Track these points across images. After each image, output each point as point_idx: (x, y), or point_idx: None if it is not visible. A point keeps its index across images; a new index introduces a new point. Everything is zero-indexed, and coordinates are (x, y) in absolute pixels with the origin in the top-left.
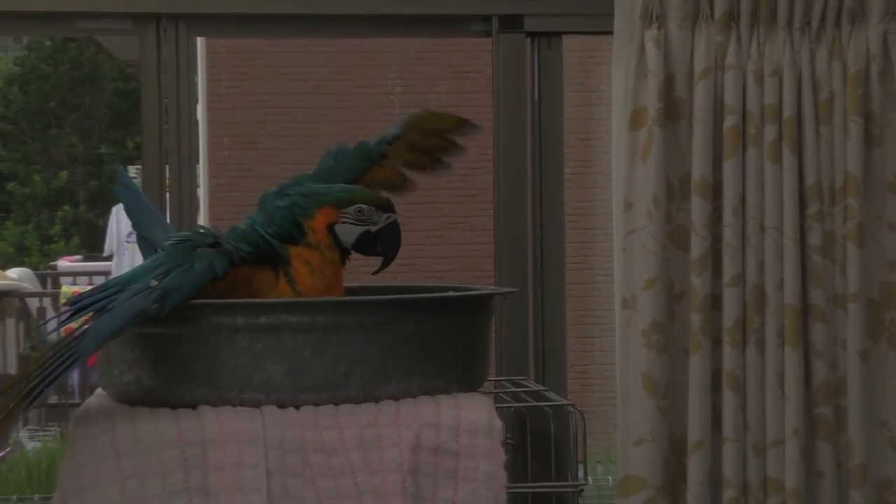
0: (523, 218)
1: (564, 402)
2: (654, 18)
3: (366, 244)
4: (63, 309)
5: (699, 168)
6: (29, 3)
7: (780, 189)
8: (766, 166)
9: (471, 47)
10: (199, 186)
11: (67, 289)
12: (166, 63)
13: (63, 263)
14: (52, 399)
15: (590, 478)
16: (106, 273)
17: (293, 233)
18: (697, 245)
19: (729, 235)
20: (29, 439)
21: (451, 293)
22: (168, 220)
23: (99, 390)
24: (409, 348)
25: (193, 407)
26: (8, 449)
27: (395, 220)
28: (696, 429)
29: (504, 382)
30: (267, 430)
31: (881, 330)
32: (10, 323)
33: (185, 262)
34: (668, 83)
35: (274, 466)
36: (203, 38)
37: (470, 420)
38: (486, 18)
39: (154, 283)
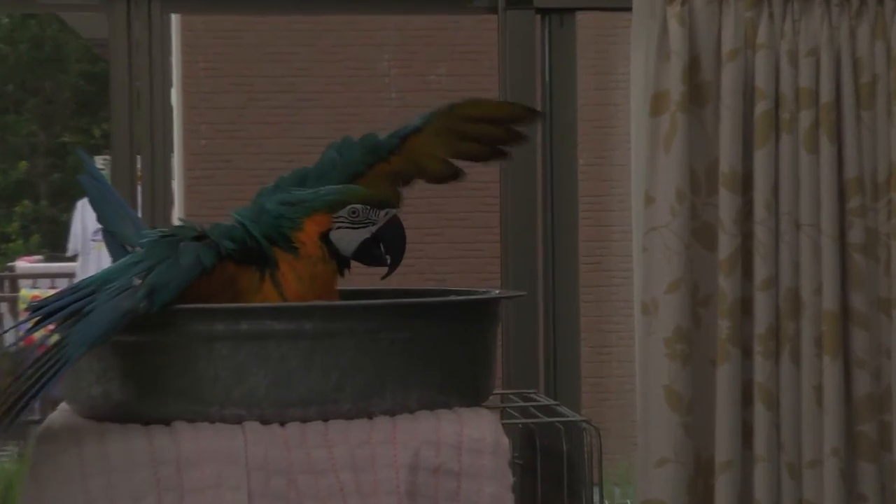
0: (532, 214)
1: (578, 417)
2: None
3: (368, 251)
4: (24, 315)
5: (727, 158)
6: None
7: (817, 181)
8: (801, 156)
9: (474, 25)
10: (173, 179)
11: (27, 292)
12: (137, 42)
13: (22, 264)
14: None
15: (606, 502)
16: (70, 275)
17: (281, 244)
18: (726, 244)
19: (760, 233)
20: None
21: (452, 297)
22: (139, 215)
23: (63, 405)
24: (406, 358)
25: (168, 423)
26: None
27: (396, 215)
28: (724, 448)
29: (511, 396)
30: (249, 448)
31: None
32: None
33: (168, 257)
34: (693, 64)
35: (256, 489)
36: (178, 15)
37: (473, 437)
38: None
39: (137, 280)
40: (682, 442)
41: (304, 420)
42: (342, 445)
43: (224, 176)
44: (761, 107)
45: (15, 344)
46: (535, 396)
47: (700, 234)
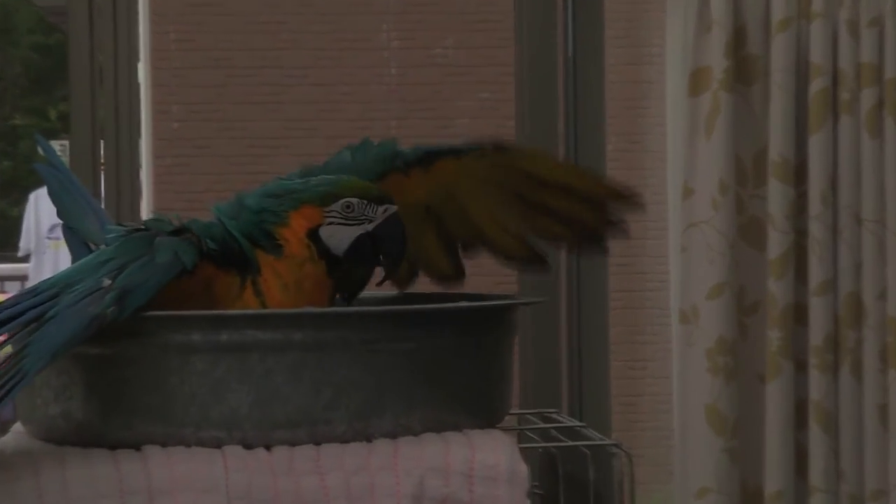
0: None
1: (607, 441)
2: None
3: (362, 251)
4: None
5: (778, 144)
6: None
7: (880, 170)
8: (863, 141)
9: None
10: (140, 167)
11: None
12: (100, 9)
13: None
14: None
15: None
16: (22, 278)
17: (263, 242)
18: (776, 242)
19: (816, 230)
20: None
21: (462, 303)
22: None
23: (17, 426)
24: (409, 372)
25: (137, 447)
26: None
27: (395, 212)
28: (774, 476)
29: (530, 417)
30: (230, 476)
31: None
32: None
33: (142, 255)
34: (739, 36)
35: None
36: None
37: (487, 464)
38: None
39: (107, 281)
40: (727, 470)
41: (293, 443)
42: (336, 472)
43: (199, 164)
44: (816, 85)
45: None
46: (557, 417)
47: (747, 231)
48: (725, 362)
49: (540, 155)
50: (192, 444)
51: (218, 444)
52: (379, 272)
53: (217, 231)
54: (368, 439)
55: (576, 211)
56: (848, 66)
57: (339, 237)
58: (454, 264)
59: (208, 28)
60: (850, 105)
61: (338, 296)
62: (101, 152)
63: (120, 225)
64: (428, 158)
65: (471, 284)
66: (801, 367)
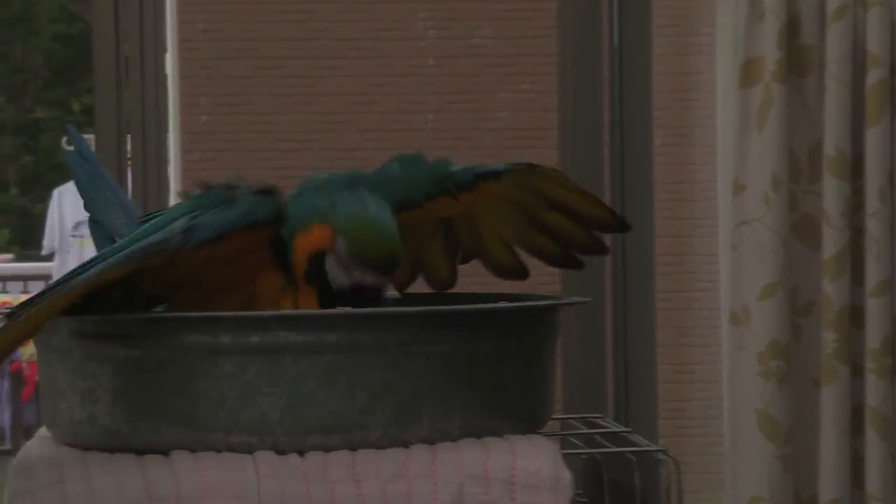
0: None
1: (653, 447)
2: None
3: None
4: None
5: (833, 138)
6: None
7: None
8: None
9: None
10: (168, 162)
11: None
12: None
13: None
14: None
15: None
16: (46, 277)
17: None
18: (831, 240)
19: (873, 227)
20: None
21: (502, 304)
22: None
23: (42, 431)
24: (447, 376)
25: (165, 453)
26: None
27: (377, 289)
28: (829, 485)
29: (574, 422)
30: (261, 482)
31: None
32: None
33: (221, 204)
34: (792, 25)
35: None
36: None
37: (529, 471)
38: None
39: (181, 222)
40: (779, 478)
41: (327, 449)
42: (372, 480)
43: (228, 158)
44: (874, 76)
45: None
46: (601, 422)
47: (800, 228)
48: (778, 366)
49: (558, 177)
50: (221, 449)
51: (249, 450)
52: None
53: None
54: (405, 445)
55: (572, 231)
56: None
57: (338, 275)
58: (452, 270)
59: (237, 17)
60: None
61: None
62: (128, 147)
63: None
64: (476, 181)
65: (512, 284)
66: (857, 371)
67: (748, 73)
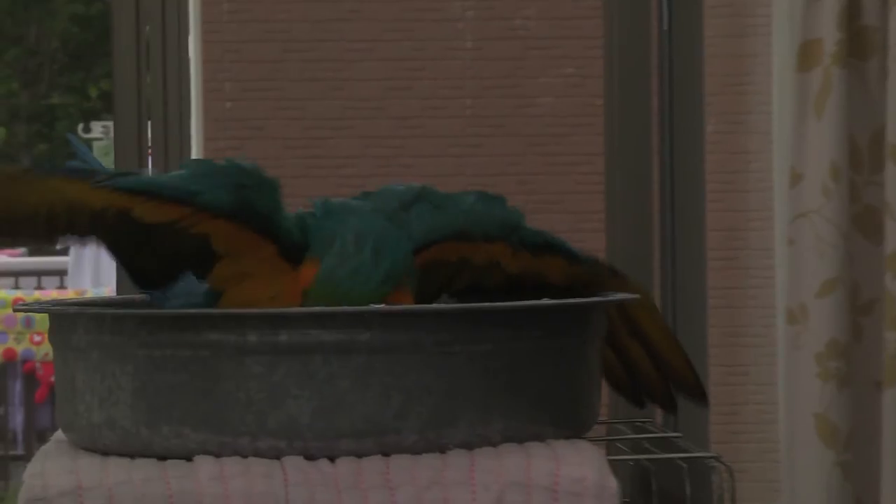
0: (646, 196)
1: (705, 453)
2: None
3: None
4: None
5: None
6: None
7: None
8: None
9: None
10: (191, 151)
11: (7, 295)
12: None
13: (0, 259)
14: None
15: None
16: (60, 272)
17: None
18: (895, 234)
19: None
20: None
21: (545, 301)
22: None
23: (58, 435)
24: (486, 377)
25: (188, 458)
26: None
27: None
28: (892, 493)
29: (620, 426)
30: (290, 490)
31: None
32: None
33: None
34: (853, 6)
35: None
36: None
37: (573, 478)
38: None
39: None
40: (839, 486)
41: (359, 455)
42: (407, 487)
43: (254, 147)
44: None
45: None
46: (650, 427)
47: (862, 221)
48: (837, 367)
49: (649, 306)
50: (248, 454)
51: (276, 455)
52: None
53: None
54: (442, 451)
55: (647, 370)
56: None
57: None
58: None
59: None
60: None
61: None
62: (149, 134)
63: None
64: (544, 249)
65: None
66: None
67: (806, 56)
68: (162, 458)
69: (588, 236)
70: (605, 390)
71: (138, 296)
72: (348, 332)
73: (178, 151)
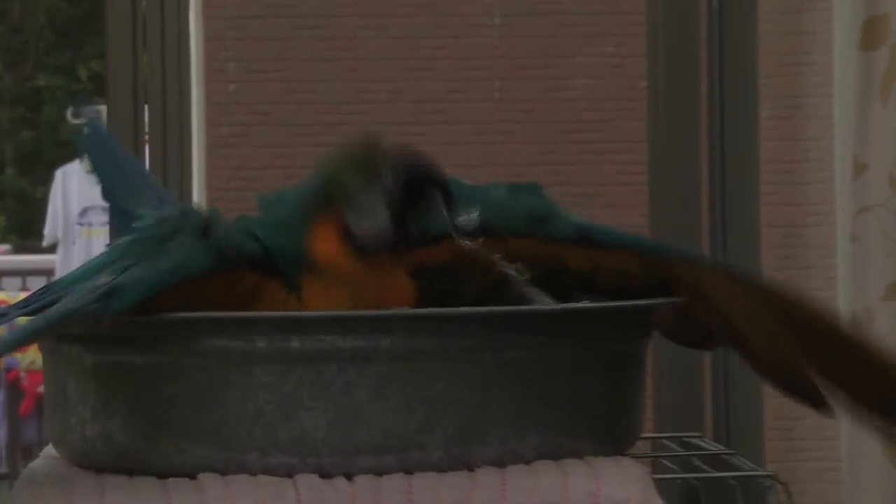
0: (695, 187)
1: (759, 471)
2: None
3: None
4: None
5: None
6: None
7: None
8: None
9: None
10: (191, 137)
11: None
12: None
13: None
14: None
15: None
16: (47, 271)
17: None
18: None
19: None
20: None
21: (583, 303)
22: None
23: (48, 450)
24: (520, 387)
25: (191, 476)
26: None
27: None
28: None
29: (666, 442)
30: None
31: None
32: None
33: (152, 255)
34: None
35: None
36: None
37: (614, 498)
38: None
39: (104, 279)
40: None
41: (379, 472)
42: None
43: (260, 133)
44: None
45: None
46: (699, 443)
47: None
48: None
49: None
50: (256, 472)
51: (288, 473)
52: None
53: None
54: (470, 468)
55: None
56: None
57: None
58: None
59: None
60: None
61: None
62: (145, 120)
63: (152, 214)
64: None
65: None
66: None
67: (870, 33)
68: (163, 475)
69: (631, 231)
70: (649, 402)
71: None
72: (367, 338)
73: (178, 138)
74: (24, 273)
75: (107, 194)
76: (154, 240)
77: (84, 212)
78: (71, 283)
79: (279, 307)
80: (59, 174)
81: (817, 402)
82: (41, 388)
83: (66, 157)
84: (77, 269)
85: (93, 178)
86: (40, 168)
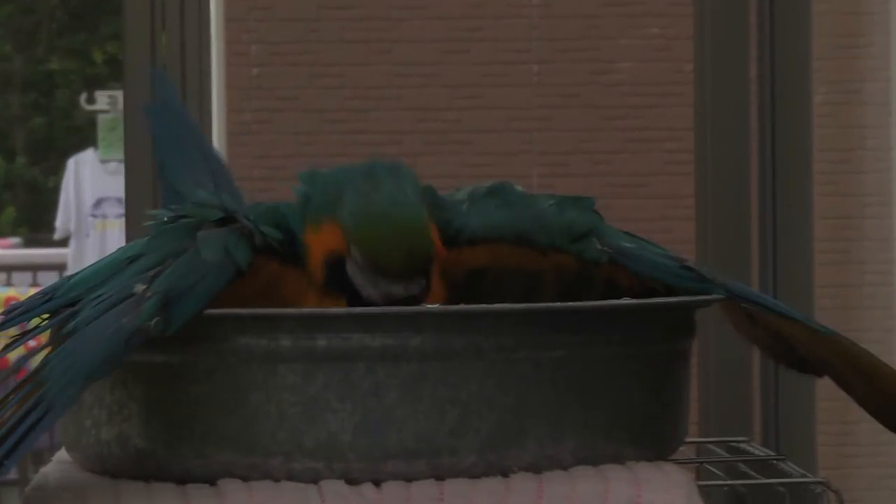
0: (744, 180)
1: (811, 478)
2: None
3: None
4: None
5: None
6: None
7: None
8: None
9: None
10: (211, 124)
11: None
12: None
13: None
14: None
15: None
16: (59, 266)
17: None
18: None
19: None
20: None
21: (625, 300)
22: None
23: (61, 454)
24: (558, 389)
25: (211, 482)
26: None
27: (412, 299)
28: None
29: (712, 447)
30: None
31: None
32: None
33: (182, 250)
34: None
35: None
36: None
37: None
38: None
39: (140, 286)
40: None
41: (409, 478)
42: None
43: (284, 120)
44: None
45: None
46: (746, 448)
47: None
48: None
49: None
50: (280, 477)
51: (314, 479)
52: None
53: (283, 216)
54: (504, 474)
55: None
56: None
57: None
58: None
59: None
60: None
61: None
62: None
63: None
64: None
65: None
66: None
67: None
68: (181, 481)
69: (676, 225)
70: (694, 404)
71: None
72: (397, 337)
73: (200, 124)
74: (34, 268)
75: (161, 171)
76: (176, 232)
77: (98, 203)
78: (85, 284)
79: (299, 298)
80: (71, 163)
81: None
82: None
83: (80, 145)
84: (88, 268)
85: (111, 167)
86: (52, 156)
